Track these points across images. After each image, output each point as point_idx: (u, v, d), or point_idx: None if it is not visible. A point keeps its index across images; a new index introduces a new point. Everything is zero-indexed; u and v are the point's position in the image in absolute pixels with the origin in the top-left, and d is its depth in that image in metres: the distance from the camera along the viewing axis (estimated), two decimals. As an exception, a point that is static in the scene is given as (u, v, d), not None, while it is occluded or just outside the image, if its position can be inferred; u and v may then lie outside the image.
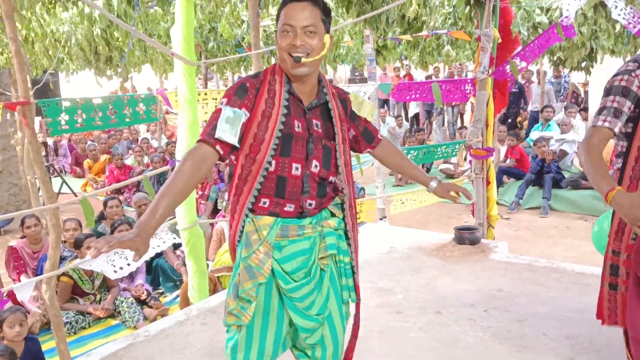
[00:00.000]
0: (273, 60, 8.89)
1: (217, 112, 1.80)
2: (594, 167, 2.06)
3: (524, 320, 3.41)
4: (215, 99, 4.64)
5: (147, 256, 3.77)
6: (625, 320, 2.29)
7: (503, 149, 9.18)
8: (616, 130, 2.15)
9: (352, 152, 2.17)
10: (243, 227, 1.90)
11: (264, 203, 1.88)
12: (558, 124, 9.41)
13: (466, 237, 4.79)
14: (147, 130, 13.92)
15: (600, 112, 2.19)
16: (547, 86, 11.64)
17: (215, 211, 7.74)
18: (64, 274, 4.84)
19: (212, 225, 6.65)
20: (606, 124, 2.14)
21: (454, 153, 5.76)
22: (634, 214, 1.86)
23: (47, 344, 4.49)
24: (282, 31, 1.84)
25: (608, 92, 2.22)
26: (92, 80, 9.85)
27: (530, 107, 11.68)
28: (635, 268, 2.20)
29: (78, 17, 6.28)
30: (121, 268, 3.30)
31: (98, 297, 5.13)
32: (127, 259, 3.29)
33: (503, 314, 3.51)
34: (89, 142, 11.51)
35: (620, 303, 2.41)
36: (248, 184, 1.87)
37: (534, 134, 9.65)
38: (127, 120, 3.60)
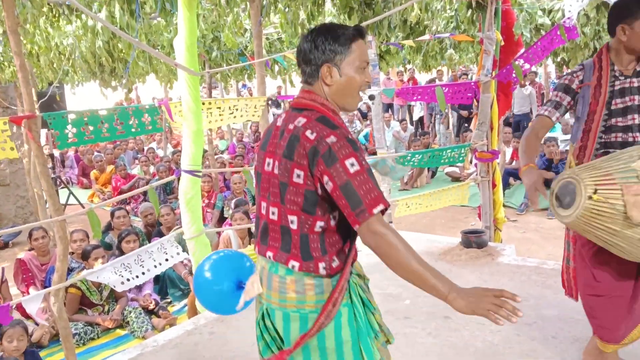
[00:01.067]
0: (277, 68, 8.91)
1: (364, 172, 1.61)
2: (525, 146, 2.59)
3: (532, 323, 3.40)
4: (220, 108, 4.65)
5: (154, 273, 3.78)
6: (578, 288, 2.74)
7: (509, 151, 9.15)
8: (553, 119, 2.64)
9: None
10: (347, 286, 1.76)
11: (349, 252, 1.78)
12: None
13: (473, 240, 4.77)
14: (153, 140, 13.97)
15: (545, 104, 2.68)
16: (529, 89, 11.61)
17: (221, 219, 7.75)
18: (72, 285, 4.85)
19: (218, 233, 6.66)
20: (546, 113, 2.64)
21: (460, 158, 5.74)
22: (527, 185, 2.39)
23: (56, 356, 4.51)
24: (360, 67, 1.76)
25: (554, 88, 2.69)
26: (97, 91, 9.91)
27: (515, 110, 11.62)
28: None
29: (82, 29, 6.32)
30: (128, 280, 3.31)
31: (106, 307, 5.14)
32: (131, 272, 3.30)
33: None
34: (95, 153, 11.57)
35: (572, 277, 2.83)
36: (342, 239, 1.75)
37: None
38: (134, 130, 3.62)
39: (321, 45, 1.73)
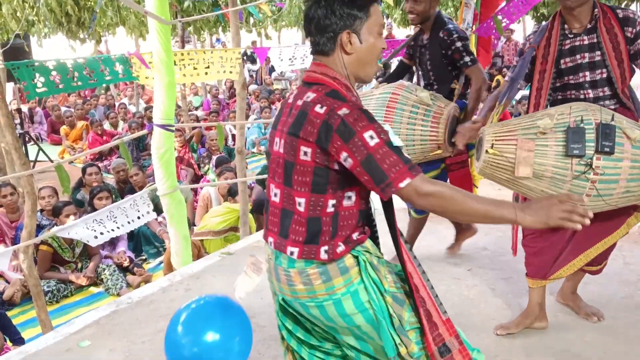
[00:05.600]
0: (251, 21, 8.65)
1: (384, 145, 1.50)
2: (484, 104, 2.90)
3: (508, 277, 3.43)
4: (193, 60, 4.50)
5: (128, 228, 3.70)
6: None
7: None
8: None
9: None
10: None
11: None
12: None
13: (450, 196, 4.77)
14: (125, 96, 13.62)
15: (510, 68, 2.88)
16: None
17: (196, 177, 7.65)
18: (43, 242, 4.75)
19: (194, 190, 6.57)
20: (506, 78, 2.78)
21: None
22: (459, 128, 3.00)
23: (29, 314, 4.44)
24: (379, 33, 1.66)
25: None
26: (65, 44, 9.53)
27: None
28: None
29: (46, -24, 6.02)
30: (102, 234, 3.23)
31: (79, 265, 5.06)
32: (105, 226, 3.22)
33: (487, 272, 3.52)
34: (64, 109, 11.21)
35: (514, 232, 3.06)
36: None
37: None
38: (107, 79, 3.48)
39: (338, 10, 1.59)
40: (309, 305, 1.66)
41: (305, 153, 1.56)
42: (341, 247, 1.61)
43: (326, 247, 1.59)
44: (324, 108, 1.54)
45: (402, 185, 1.50)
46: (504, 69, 11.91)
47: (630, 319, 2.88)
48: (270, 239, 1.70)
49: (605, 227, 2.62)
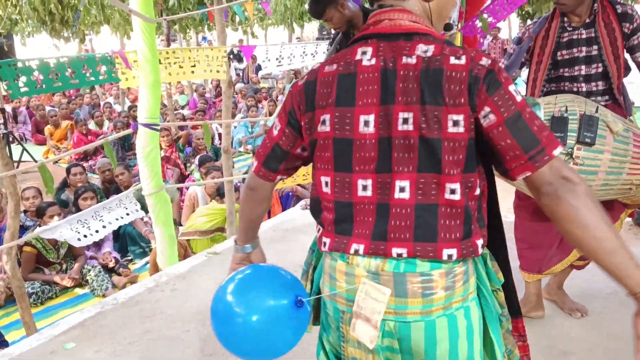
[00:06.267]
0: (237, 19, 8.61)
1: (527, 104, 1.20)
2: None
3: (495, 275, 3.44)
4: (179, 58, 4.46)
5: (113, 227, 3.67)
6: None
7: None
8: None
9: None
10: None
11: None
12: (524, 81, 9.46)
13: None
14: (110, 95, 13.50)
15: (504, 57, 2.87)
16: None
17: (182, 176, 7.60)
18: (27, 243, 4.70)
19: (180, 190, 6.53)
20: (502, 65, 2.78)
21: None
22: None
23: (12, 315, 4.38)
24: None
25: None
26: (49, 43, 9.42)
27: None
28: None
29: (28, -27, 5.95)
30: (85, 236, 3.19)
31: (64, 266, 5.01)
32: (89, 228, 3.18)
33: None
34: (48, 108, 11.08)
35: None
36: None
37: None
38: (88, 80, 3.44)
39: None
40: (438, 321, 1.25)
41: (456, 123, 1.17)
42: (486, 236, 1.29)
43: (481, 241, 1.25)
44: (464, 57, 1.18)
45: (555, 152, 1.17)
46: (490, 67, 11.98)
47: (615, 315, 2.90)
48: (399, 250, 1.23)
49: None
